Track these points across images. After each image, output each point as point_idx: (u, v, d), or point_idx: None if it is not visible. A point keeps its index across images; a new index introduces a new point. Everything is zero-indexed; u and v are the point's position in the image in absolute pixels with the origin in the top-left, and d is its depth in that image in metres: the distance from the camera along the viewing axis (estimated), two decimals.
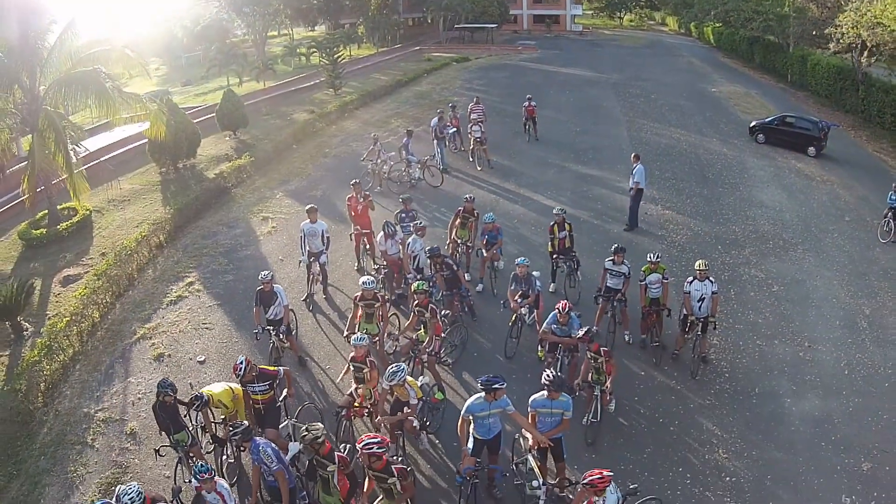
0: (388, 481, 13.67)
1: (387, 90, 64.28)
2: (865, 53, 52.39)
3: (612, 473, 13.33)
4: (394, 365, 16.72)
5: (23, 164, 36.70)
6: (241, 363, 17.12)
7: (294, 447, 15.76)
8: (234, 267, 28.89)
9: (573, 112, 54.96)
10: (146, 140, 40.75)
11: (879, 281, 28.39)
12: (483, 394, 15.20)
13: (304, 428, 14.29)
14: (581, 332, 18.60)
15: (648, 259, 22.28)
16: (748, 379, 21.80)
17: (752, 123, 49.30)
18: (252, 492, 15.38)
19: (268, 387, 17.42)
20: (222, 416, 17.91)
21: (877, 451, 18.77)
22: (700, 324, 21.22)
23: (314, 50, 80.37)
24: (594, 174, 39.40)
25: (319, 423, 14.79)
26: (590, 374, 18.62)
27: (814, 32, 64.89)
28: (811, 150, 45.03)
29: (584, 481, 13.08)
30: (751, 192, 37.66)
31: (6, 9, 32.47)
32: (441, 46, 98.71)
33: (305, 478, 15.30)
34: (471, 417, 15.51)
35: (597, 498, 13.31)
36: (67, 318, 24.20)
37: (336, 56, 63.95)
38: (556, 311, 19.50)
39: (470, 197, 26.75)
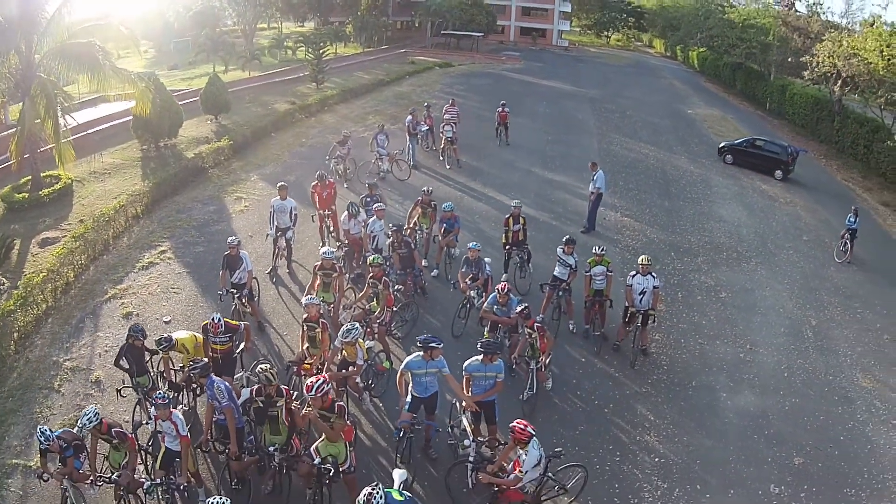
0: (331, 419, 14.85)
1: (368, 88, 65.17)
2: (839, 83, 53.73)
3: (534, 431, 14.59)
4: (348, 324, 17.92)
5: (9, 131, 37.55)
6: (219, 321, 18.45)
7: (245, 392, 16.84)
8: (206, 240, 29.86)
9: (547, 121, 56.09)
10: (130, 117, 41.54)
11: (830, 296, 29.61)
12: (422, 352, 16.47)
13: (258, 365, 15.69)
14: (518, 309, 19.81)
15: (594, 251, 23.35)
16: (686, 373, 22.91)
17: (722, 144, 50.54)
18: (204, 428, 16.50)
19: (228, 338, 18.64)
20: (181, 364, 19.08)
21: (810, 447, 19.79)
22: (640, 316, 22.32)
23: (301, 44, 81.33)
24: (559, 179, 40.50)
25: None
26: (526, 350, 19.80)
27: (790, 59, 66.44)
28: (778, 173, 46.34)
29: (509, 426, 14.34)
30: (711, 208, 38.88)
31: None
32: (426, 51, 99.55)
33: (254, 423, 16.34)
34: (409, 374, 16.73)
35: (521, 451, 14.53)
36: (44, 274, 25.02)
37: (321, 51, 64.80)
38: (496, 291, 20.65)
39: (427, 190, 27.90)
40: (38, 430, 14.98)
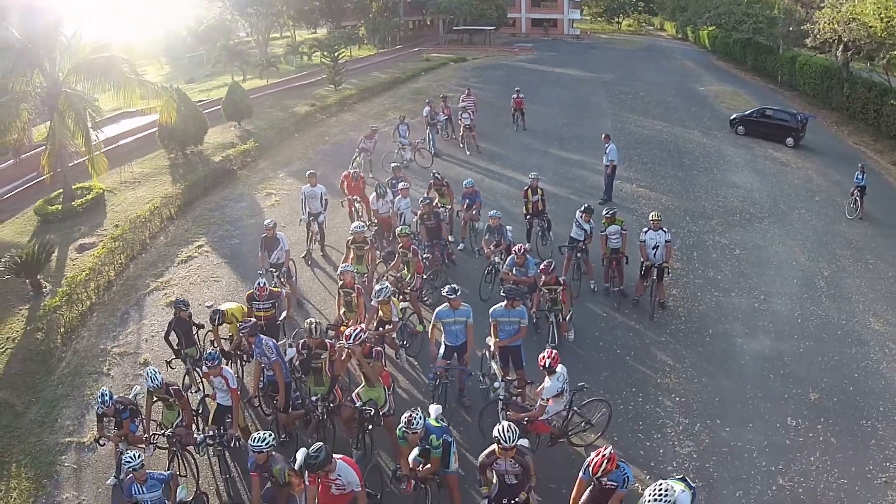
0: (370, 364, 16.23)
1: (385, 87, 66.51)
2: (841, 48, 54.51)
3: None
4: (379, 284, 19.38)
5: (35, 150, 38.95)
6: (264, 284, 20.32)
7: (291, 352, 18.22)
8: (240, 233, 31.21)
9: (562, 106, 57.24)
10: (153, 130, 43.20)
11: (842, 250, 30.57)
12: (447, 302, 17.99)
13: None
14: (542, 267, 21.06)
15: (604, 213, 24.84)
16: (703, 322, 24.08)
17: (733, 116, 51.63)
18: (253, 384, 17.94)
19: (271, 305, 20.16)
20: (229, 333, 20.44)
21: (825, 385, 20.80)
22: (656, 270, 23.63)
23: (316, 49, 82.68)
24: (576, 158, 41.55)
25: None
26: (546, 304, 21.14)
27: (791, 28, 67.16)
28: (789, 140, 47.35)
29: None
30: (724, 175, 39.99)
31: (26, 3, 34.46)
32: (440, 48, 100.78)
33: (300, 372, 17.76)
34: (440, 324, 18.19)
35: (548, 377, 15.88)
36: (86, 273, 26.43)
37: (337, 54, 66.06)
38: (514, 253, 22.01)
39: (436, 175, 29.26)
40: (99, 394, 16.36)
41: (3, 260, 27.24)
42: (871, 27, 49.11)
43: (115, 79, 35.10)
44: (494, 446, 13.10)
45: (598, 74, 74.54)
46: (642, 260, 23.93)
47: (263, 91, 63.92)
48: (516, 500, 13.39)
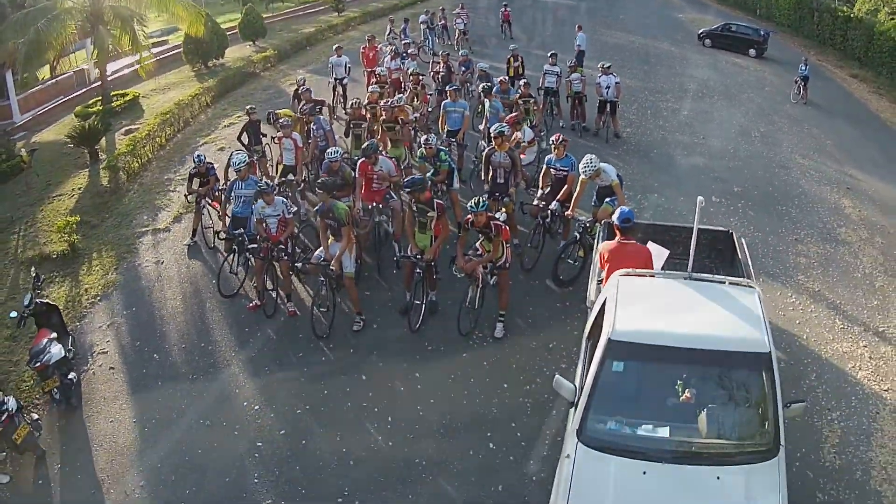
0: (395, 128, 22.64)
1: (386, 11, 70.17)
2: None
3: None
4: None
5: (65, 75, 45.25)
6: (304, 80, 28.00)
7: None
8: (274, 107, 35.25)
9: (546, 23, 62.98)
10: (171, 54, 50.21)
11: (780, 119, 36.30)
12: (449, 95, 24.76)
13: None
14: (522, 83, 27.74)
15: (568, 64, 31.97)
16: (649, 147, 30.60)
17: (700, 31, 56.88)
18: (310, 154, 23.53)
19: (317, 108, 25.98)
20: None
21: (748, 184, 26.90)
22: (609, 105, 30.10)
23: None
24: None
25: None
26: (522, 116, 26.51)
27: None
28: (751, 51, 52.67)
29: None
30: (685, 70, 45.81)
31: None
32: None
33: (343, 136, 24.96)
34: (444, 112, 24.92)
35: (518, 132, 22.47)
36: (145, 132, 31.37)
37: None
38: (500, 83, 28.44)
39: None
40: (195, 156, 21.68)
41: (67, 131, 32.24)
42: None
43: None
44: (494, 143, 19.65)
45: (584, 2, 79.18)
46: (598, 97, 30.28)
47: (271, 19, 68.22)
48: (504, 194, 19.81)
